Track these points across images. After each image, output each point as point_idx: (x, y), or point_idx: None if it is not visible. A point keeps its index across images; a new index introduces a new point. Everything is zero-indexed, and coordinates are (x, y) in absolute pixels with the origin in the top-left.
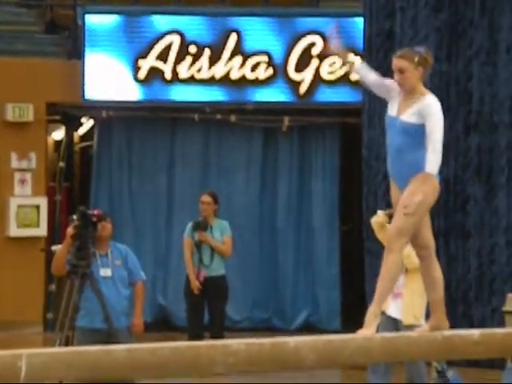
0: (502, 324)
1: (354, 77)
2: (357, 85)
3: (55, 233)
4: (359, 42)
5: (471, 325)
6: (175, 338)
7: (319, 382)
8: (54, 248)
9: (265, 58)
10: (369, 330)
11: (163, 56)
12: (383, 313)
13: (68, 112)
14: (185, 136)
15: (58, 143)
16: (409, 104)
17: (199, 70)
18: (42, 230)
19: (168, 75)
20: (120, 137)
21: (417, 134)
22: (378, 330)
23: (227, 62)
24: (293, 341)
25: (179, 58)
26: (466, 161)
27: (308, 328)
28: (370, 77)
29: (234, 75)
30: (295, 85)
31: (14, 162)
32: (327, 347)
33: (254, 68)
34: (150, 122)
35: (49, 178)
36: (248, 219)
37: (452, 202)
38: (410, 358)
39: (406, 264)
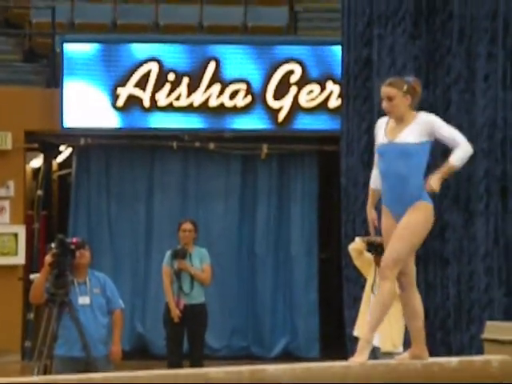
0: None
1: (332, 104)
2: (335, 112)
3: (33, 261)
4: (337, 70)
5: (450, 352)
6: (154, 366)
7: None
8: (32, 276)
9: (243, 86)
10: (361, 358)
11: (142, 84)
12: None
13: (46, 140)
14: (163, 164)
15: (36, 171)
16: (401, 128)
17: (178, 98)
18: (20, 259)
19: (146, 103)
20: (98, 165)
21: (416, 154)
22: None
23: (206, 89)
24: (271, 369)
25: (158, 86)
26: (444, 188)
27: (287, 356)
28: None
29: (213, 103)
30: (274, 112)
31: None
32: (306, 375)
33: (232, 96)
34: (128, 149)
35: (27, 206)
36: (227, 247)
37: (430, 229)
38: None
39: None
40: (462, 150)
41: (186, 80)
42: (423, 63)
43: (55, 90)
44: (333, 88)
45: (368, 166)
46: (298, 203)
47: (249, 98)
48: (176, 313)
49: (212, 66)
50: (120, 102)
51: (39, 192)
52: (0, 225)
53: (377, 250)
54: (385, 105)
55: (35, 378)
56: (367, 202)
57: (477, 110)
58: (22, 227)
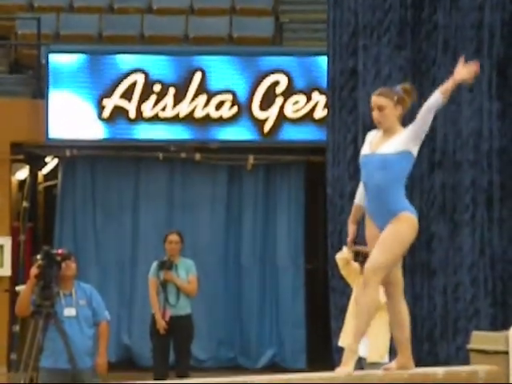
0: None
1: (318, 115)
2: (321, 123)
3: (19, 273)
4: (323, 81)
5: (436, 362)
6: (140, 377)
7: None
8: (18, 288)
9: (229, 97)
10: (346, 367)
11: (127, 95)
12: None
13: (32, 151)
14: (149, 175)
15: (21, 183)
16: (386, 140)
17: (164, 109)
18: (5, 270)
19: (132, 114)
20: (84, 176)
21: (395, 164)
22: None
23: (192, 100)
24: (258, 380)
25: (143, 97)
26: (431, 199)
27: (273, 367)
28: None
29: (199, 114)
30: (260, 123)
31: None
32: None
33: (218, 107)
34: (114, 160)
35: (13, 218)
36: (213, 257)
37: (417, 239)
38: None
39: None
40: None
41: (171, 91)
42: (408, 73)
43: (41, 101)
44: (319, 99)
45: (354, 177)
46: (284, 214)
47: (235, 109)
48: (162, 324)
49: (198, 76)
50: (106, 113)
51: (25, 203)
52: None
53: (364, 259)
54: (375, 115)
55: None
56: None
57: (462, 120)
58: (7, 239)
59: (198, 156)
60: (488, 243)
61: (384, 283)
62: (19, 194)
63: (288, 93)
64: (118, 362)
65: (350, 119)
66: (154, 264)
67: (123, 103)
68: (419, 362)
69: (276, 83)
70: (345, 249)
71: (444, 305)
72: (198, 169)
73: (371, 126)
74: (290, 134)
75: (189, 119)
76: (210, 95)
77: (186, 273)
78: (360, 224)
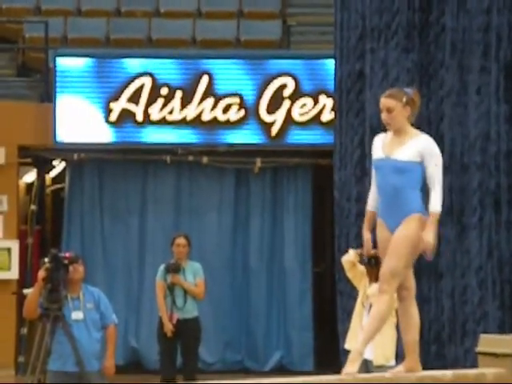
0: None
1: (325, 118)
2: (328, 126)
3: (27, 276)
4: (330, 84)
5: (444, 365)
6: (148, 380)
7: None
8: (25, 291)
9: (236, 100)
10: (351, 368)
11: (135, 98)
12: None
13: (40, 155)
14: (157, 178)
15: (29, 186)
16: (400, 143)
17: (171, 112)
18: (13, 274)
19: (140, 117)
20: (92, 179)
21: (413, 171)
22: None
23: (199, 103)
24: (265, 383)
25: (151, 100)
26: None
27: (281, 369)
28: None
29: (206, 117)
30: (267, 126)
31: None
32: None
33: (225, 110)
34: (121, 164)
35: (20, 221)
36: (220, 260)
37: None
38: None
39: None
40: (436, 193)
41: (179, 94)
42: (416, 76)
43: (48, 105)
44: (326, 102)
45: (360, 180)
46: (291, 217)
47: (242, 112)
48: (169, 327)
49: (205, 80)
50: (113, 117)
51: (32, 207)
52: None
53: (370, 262)
54: (384, 116)
55: None
56: (360, 217)
57: (470, 123)
58: (15, 242)
59: (205, 159)
60: (496, 246)
61: (398, 287)
62: (27, 197)
63: (295, 96)
64: (126, 365)
65: (356, 122)
66: (162, 267)
67: (130, 107)
68: (427, 365)
69: (283, 86)
70: (351, 251)
71: (452, 307)
72: (206, 172)
73: (378, 128)
74: (298, 137)
75: (196, 122)
76: (217, 98)
77: (193, 276)
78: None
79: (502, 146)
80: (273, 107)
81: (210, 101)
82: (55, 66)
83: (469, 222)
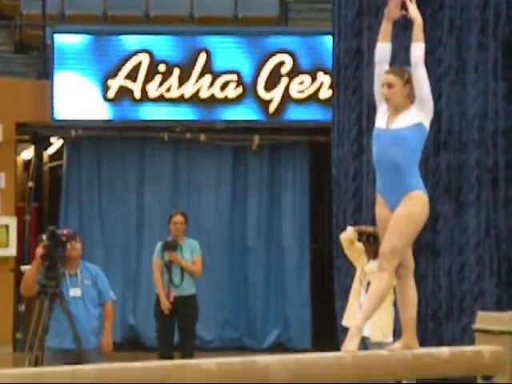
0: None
1: (322, 95)
2: (326, 103)
3: (25, 253)
4: (328, 61)
5: (441, 343)
6: (145, 357)
7: None
8: (23, 268)
9: (234, 77)
10: (351, 345)
11: (132, 75)
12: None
13: (37, 132)
14: (154, 155)
15: (27, 163)
16: (397, 116)
17: (168, 89)
18: (11, 250)
19: (137, 94)
20: (89, 156)
21: (410, 139)
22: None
23: (196, 81)
24: (263, 360)
25: (148, 78)
26: (436, 179)
27: (279, 347)
28: (384, 67)
29: (204, 94)
30: (265, 103)
31: None
32: (297, 366)
33: (223, 87)
34: (119, 141)
35: (18, 198)
36: (218, 238)
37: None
38: (380, 376)
39: (370, 280)
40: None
41: (176, 71)
42: None
43: (46, 82)
44: (324, 79)
45: (358, 157)
46: (289, 194)
47: (240, 89)
48: (166, 304)
49: (203, 57)
50: (111, 94)
51: (30, 184)
52: None
53: (368, 239)
54: (384, 91)
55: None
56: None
57: (468, 100)
58: (13, 219)
59: (203, 136)
60: (493, 223)
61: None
62: (24, 174)
63: (293, 73)
64: (124, 341)
65: (354, 99)
66: (159, 245)
67: (128, 84)
68: (424, 342)
69: (281, 63)
70: (349, 228)
71: (449, 285)
72: (203, 149)
73: (375, 105)
74: (295, 114)
75: (194, 99)
76: (215, 75)
77: (190, 253)
78: None
79: (500, 124)
80: (271, 84)
81: (208, 78)
82: (53, 43)
83: (466, 200)
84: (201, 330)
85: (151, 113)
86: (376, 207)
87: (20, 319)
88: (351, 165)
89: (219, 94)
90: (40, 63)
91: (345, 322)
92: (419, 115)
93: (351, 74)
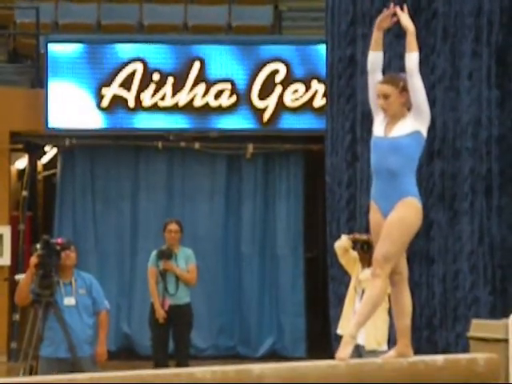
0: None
1: (316, 104)
2: (320, 112)
3: (19, 262)
4: (322, 69)
5: (436, 350)
6: (140, 366)
7: None
8: (17, 277)
9: (228, 86)
10: (344, 352)
11: (126, 84)
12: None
13: (31, 141)
14: (149, 164)
15: (21, 172)
16: (395, 124)
17: (163, 98)
18: (5, 260)
19: (131, 103)
20: (83, 165)
21: (408, 147)
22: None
23: (191, 89)
24: (257, 368)
25: (142, 86)
26: (429, 186)
27: (273, 355)
28: (377, 75)
29: (198, 103)
30: (259, 112)
31: None
32: (292, 374)
33: (217, 96)
34: (113, 150)
35: (12, 207)
36: (212, 246)
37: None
38: None
39: (365, 288)
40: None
41: (170, 80)
42: None
43: (40, 91)
44: (318, 87)
45: (351, 165)
46: (283, 202)
47: (234, 98)
48: (161, 313)
49: (197, 65)
50: (105, 103)
51: (24, 193)
52: None
53: (362, 247)
54: (381, 102)
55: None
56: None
57: (461, 108)
58: (7, 228)
59: (197, 145)
60: (487, 231)
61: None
62: (18, 183)
63: (287, 81)
64: (118, 350)
65: (347, 107)
66: (154, 253)
67: (122, 92)
68: (418, 350)
69: (275, 72)
70: (344, 237)
71: (443, 293)
72: (198, 158)
73: (369, 114)
74: (290, 122)
75: (188, 108)
76: (209, 84)
77: (185, 262)
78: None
79: (494, 131)
80: (265, 93)
81: (202, 86)
82: (46, 52)
83: (460, 208)
84: (195, 339)
85: (145, 121)
86: (370, 214)
87: (14, 328)
88: (345, 173)
89: (213, 103)
90: (34, 72)
91: (339, 331)
92: (416, 123)
93: (345, 82)
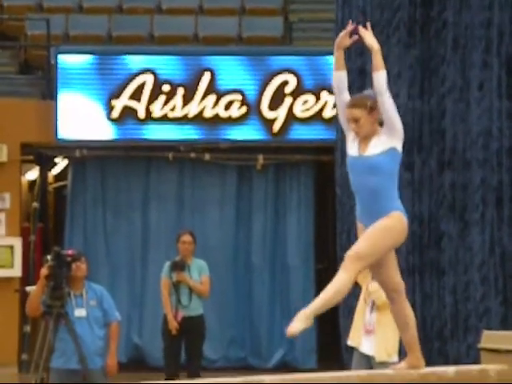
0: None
1: (326, 115)
2: (330, 123)
3: (30, 273)
4: (332, 80)
5: (447, 361)
6: (151, 378)
7: None
8: (28, 289)
9: (238, 97)
10: (294, 326)
11: (136, 95)
12: (356, 350)
13: (42, 152)
14: (159, 175)
15: (32, 183)
16: (368, 142)
17: (173, 109)
18: (16, 271)
19: (141, 114)
20: (94, 176)
21: (385, 165)
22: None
23: (201, 100)
24: (268, 379)
25: (153, 97)
26: (440, 198)
27: (284, 366)
28: (344, 95)
29: (208, 114)
30: (269, 123)
31: None
32: None
33: (227, 106)
34: (124, 161)
35: (23, 219)
36: (223, 257)
37: (426, 238)
38: None
39: (374, 299)
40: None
41: (180, 91)
42: (418, 72)
43: (50, 102)
44: (328, 98)
45: None
46: (293, 213)
47: (244, 109)
48: (174, 325)
49: (207, 76)
50: (115, 114)
51: (35, 204)
52: None
53: None
54: (352, 126)
55: None
56: None
57: (472, 119)
58: (17, 239)
59: (207, 156)
60: (498, 242)
61: (385, 290)
62: (29, 194)
63: (297, 92)
64: (129, 362)
65: None
66: (167, 264)
67: (132, 103)
68: (429, 362)
69: (285, 83)
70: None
71: (454, 304)
72: (208, 169)
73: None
74: (299, 133)
75: (198, 119)
76: (219, 95)
77: (198, 273)
78: None
79: (505, 143)
80: (275, 104)
81: (212, 97)
82: (57, 63)
83: (471, 219)
84: (206, 350)
85: (155, 132)
86: (357, 232)
87: (25, 340)
88: None
89: (223, 114)
90: (44, 83)
91: (350, 342)
92: (390, 140)
93: (354, 93)
